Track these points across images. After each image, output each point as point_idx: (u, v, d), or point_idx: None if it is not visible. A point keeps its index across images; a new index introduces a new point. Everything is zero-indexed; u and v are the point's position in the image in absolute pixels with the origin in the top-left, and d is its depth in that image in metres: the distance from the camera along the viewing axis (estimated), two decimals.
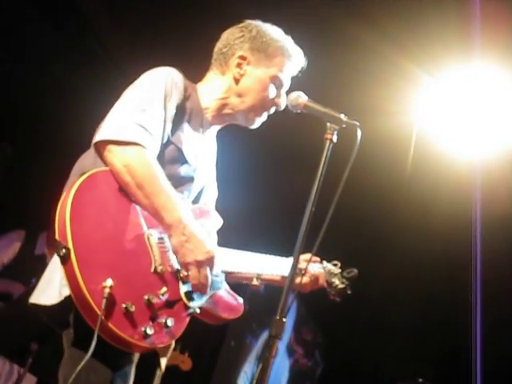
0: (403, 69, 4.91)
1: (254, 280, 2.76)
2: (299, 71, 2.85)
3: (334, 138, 2.43)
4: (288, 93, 2.65)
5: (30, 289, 3.75)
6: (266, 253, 2.91)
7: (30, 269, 4.57)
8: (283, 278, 2.90)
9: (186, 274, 2.33)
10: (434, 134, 5.45)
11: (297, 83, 2.82)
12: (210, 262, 2.36)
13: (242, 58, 2.73)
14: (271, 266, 2.89)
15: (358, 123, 2.47)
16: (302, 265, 2.92)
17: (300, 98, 2.55)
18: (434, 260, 6.52)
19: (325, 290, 3.14)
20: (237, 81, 2.73)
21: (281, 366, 7.54)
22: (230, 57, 2.75)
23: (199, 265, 2.33)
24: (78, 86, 4.97)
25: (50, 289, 2.21)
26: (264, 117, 2.80)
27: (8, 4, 4.57)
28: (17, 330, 3.69)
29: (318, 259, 3.13)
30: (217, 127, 2.83)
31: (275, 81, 2.75)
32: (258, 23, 2.81)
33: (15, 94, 4.98)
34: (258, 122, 2.81)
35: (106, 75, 5.09)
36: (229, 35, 2.80)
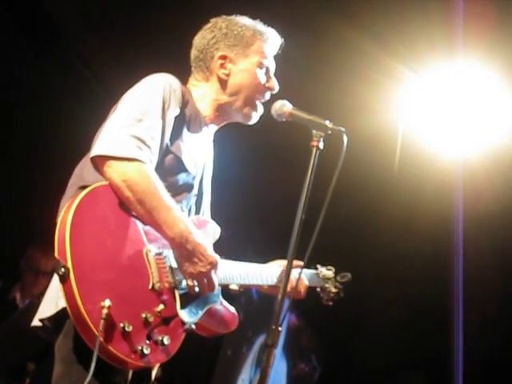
0: (387, 66, 4.91)
1: (233, 285, 2.69)
2: (279, 49, 2.84)
3: (321, 145, 2.42)
4: (272, 102, 2.61)
5: (26, 307, 3.72)
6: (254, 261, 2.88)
7: None
8: (270, 286, 2.87)
9: (191, 284, 2.35)
10: (419, 132, 5.46)
11: (282, 86, 2.80)
12: (215, 269, 2.40)
13: (223, 57, 2.72)
14: (261, 276, 2.84)
15: (343, 129, 2.45)
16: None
17: (285, 106, 2.54)
18: (418, 259, 6.52)
19: (318, 295, 3.12)
20: (224, 81, 2.71)
21: (278, 371, 7.53)
22: (210, 60, 2.73)
23: (205, 276, 2.37)
24: (65, 108, 4.95)
25: (48, 303, 2.21)
26: (260, 110, 2.77)
27: None
28: (13, 350, 3.67)
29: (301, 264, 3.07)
30: (215, 127, 2.81)
31: (261, 66, 2.74)
32: (224, 18, 2.78)
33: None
34: (255, 117, 2.78)
35: (92, 95, 5.12)
36: (201, 40, 2.77)
